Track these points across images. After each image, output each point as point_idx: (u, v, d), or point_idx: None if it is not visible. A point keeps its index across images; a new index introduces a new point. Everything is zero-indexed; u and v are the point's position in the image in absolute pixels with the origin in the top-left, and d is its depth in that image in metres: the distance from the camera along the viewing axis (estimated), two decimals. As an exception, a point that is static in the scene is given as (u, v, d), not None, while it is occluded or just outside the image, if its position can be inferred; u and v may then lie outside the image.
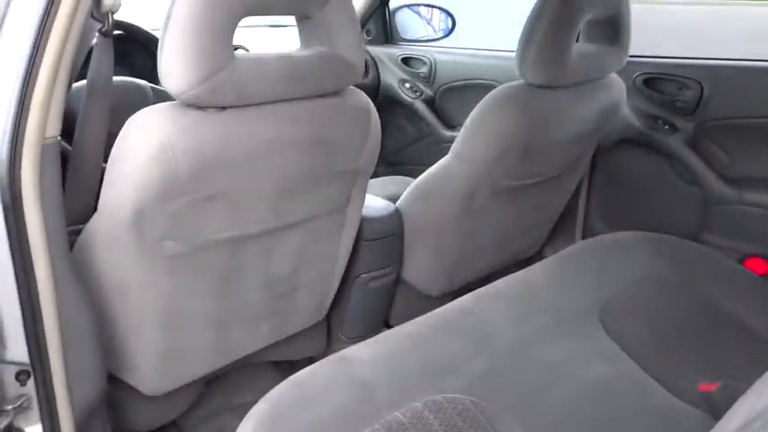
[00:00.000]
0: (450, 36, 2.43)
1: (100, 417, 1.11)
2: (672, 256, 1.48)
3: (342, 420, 0.91)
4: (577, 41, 1.54)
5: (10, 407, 0.92)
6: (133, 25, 1.65)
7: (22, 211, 0.85)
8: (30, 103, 0.83)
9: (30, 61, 0.82)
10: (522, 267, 1.40)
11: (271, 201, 1.09)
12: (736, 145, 1.67)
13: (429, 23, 2.54)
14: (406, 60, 2.40)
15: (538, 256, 1.95)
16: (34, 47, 0.82)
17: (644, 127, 1.78)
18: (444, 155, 1.49)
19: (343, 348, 1.06)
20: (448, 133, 2.32)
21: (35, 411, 0.95)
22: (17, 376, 0.92)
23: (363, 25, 2.39)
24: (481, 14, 2.69)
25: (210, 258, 1.08)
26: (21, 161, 0.84)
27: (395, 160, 2.57)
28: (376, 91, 2.45)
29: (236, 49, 1.72)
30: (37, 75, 0.83)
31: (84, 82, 1.14)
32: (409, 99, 2.39)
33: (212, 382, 1.43)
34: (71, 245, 1.06)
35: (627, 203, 1.90)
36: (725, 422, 0.69)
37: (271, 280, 1.23)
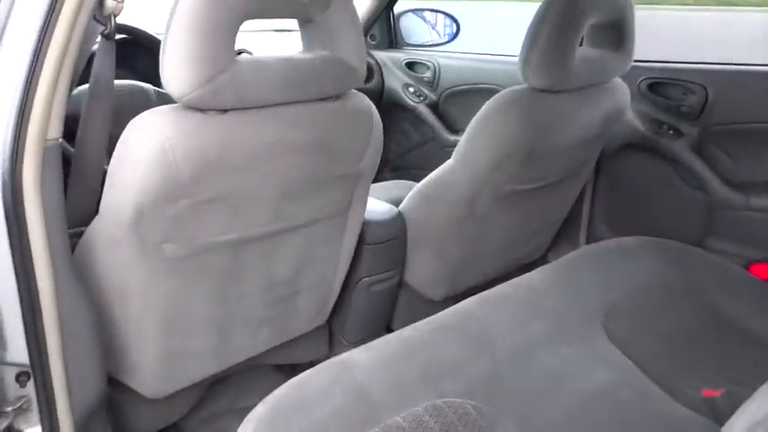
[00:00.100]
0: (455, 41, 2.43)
1: (100, 419, 1.11)
2: (676, 262, 1.48)
3: (341, 424, 0.90)
4: (581, 46, 1.53)
5: (10, 408, 0.92)
6: (137, 29, 1.66)
7: (24, 213, 0.85)
8: (32, 104, 0.84)
9: (32, 63, 0.83)
10: (526, 272, 1.40)
11: (272, 204, 1.09)
12: (742, 150, 1.66)
13: (434, 28, 2.54)
14: (411, 65, 2.40)
15: (541, 261, 1.94)
16: (36, 48, 0.83)
17: (648, 132, 1.77)
18: (448, 159, 1.49)
19: (345, 352, 1.06)
20: (452, 138, 2.31)
21: (35, 413, 0.95)
22: (17, 378, 0.92)
23: (368, 30, 2.40)
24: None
25: (211, 261, 1.08)
26: (22, 163, 0.84)
27: (399, 165, 2.57)
28: (380, 95, 2.46)
29: (240, 53, 1.73)
30: (39, 76, 0.83)
31: (87, 85, 1.15)
32: (413, 103, 2.39)
33: (214, 385, 1.42)
34: (73, 247, 1.06)
35: (631, 209, 1.89)
36: (728, 428, 0.68)
37: (272, 283, 1.23)
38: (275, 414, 0.91)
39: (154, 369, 1.15)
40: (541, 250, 1.91)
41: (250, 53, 1.84)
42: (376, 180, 1.45)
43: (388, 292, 1.58)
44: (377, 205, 1.53)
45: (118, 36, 1.64)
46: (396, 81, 2.43)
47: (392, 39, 2.50)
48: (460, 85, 2.28)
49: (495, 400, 0.98)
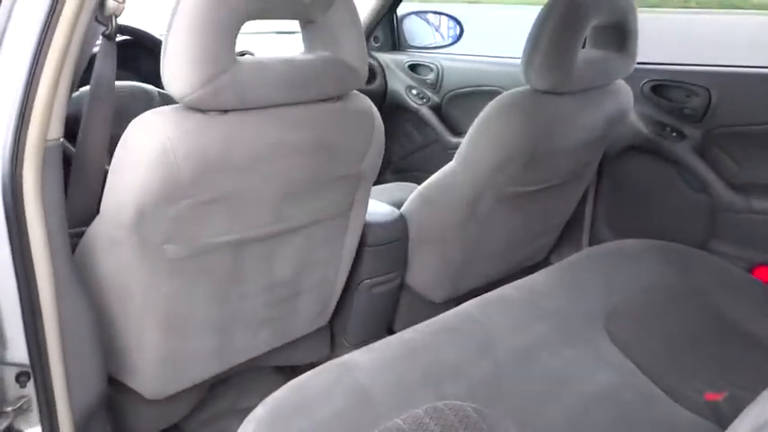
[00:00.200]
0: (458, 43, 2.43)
1: (100, 419, 1.11)
2: (679, 265, 1.47)
3: (341, 425, 0.90)
4: (584, 47, 1.53)
5: (10, 408, 0.92)
6: (140, 30, 1.67)
7: (24, 212, 0.85)
8: (32, 105, 0.84)
9: (33, 63, 0.83)
10: (528, 274, 1.39)
11: (273, 205, 1.09)
12: (745, 152, 1.66)
13: (437, 30, 2.54)
14: (413, 67, 2.40)
15: (544, 263, 1.93)
16: (37, 48, 0.83)
17: (651, 134, 1.77)
18: (450, 161, 1.49)
19: (346, 354, 1.06)
20: (454, 140, 2.31)
21: (35, 413, 0.95)
22: (17, 378, 0.92)
23: (371, 32, 2.40)
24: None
25: (212, 262, 1.08)
26: (23, 163, 0.84)
27: (401, 167, 2.57)
28: (383, 97, 2.46)
29: (243, 54, 1.74)
30: (40, 76, 0.83)
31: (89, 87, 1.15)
32: (416, 105, 2.38)
33: (215, 386, 1.42)
34: (73, 247, 1.06)
35: (634, 211, 1.88)
36: (731, 432, 0.68)
37: (273, 284, 1.23)
38: (275, 415, 0.90)
39: (154, 370, 1.15)
40: (544, 252, 1.91)
41: (252, 55, 1.84)
42: (378, 182, 1.45)
43: (390, 294, 1.57)
44: (378, 207, 1.52)
45: (120, 37, 1.66)
46: (398, 83, 2.43)
47: (395, 41, 2.50)
48: (463, 88, 2.28)
49: (496, 402, 0.98)
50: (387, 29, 2.46)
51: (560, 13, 1.30)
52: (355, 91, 1.17)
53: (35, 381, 0.93)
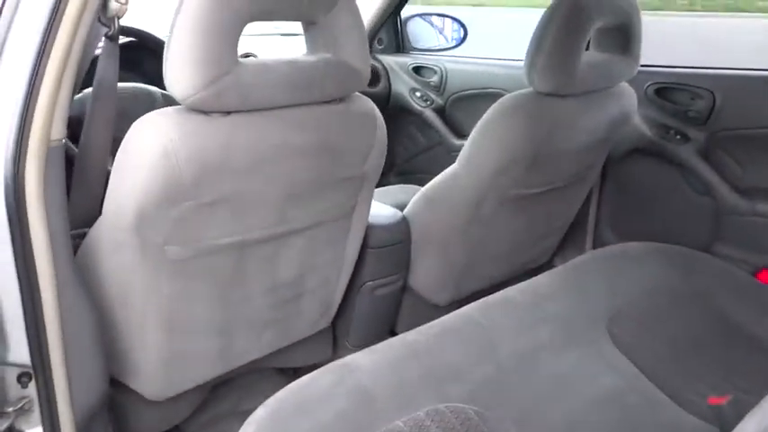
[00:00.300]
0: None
1: (101, 420, 1.11)
2: (683, 268, 1.46)
3: (342, 427, 0.90)
4: (588, 50, 1.53)
5: (11, 409, 0.92)
6: (144, 32, 1.67)
7: (26, 213, 0.85)
8: (35, 105, 0.84)
9: (35, 63, 0.83)
10: (532, 277, 1.39)
11: (275, 206, 1.09)
12: (749, 155, 1.65)
13: (441, 33, 2.54)
14: (417, 69, 2.40)
15: (547, 266, 1.93)
16: (40, 49, 0.83)
17: (656, 137, 1.76)
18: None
19: (348, 356, 1.05)
20: (458, 142, 2.31)
21: (36, 414, 0.95)
22: (19, 378, 0.92)
23: (375, 34, 2.40)
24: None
25: (214, 264, 1.08)
26: (25, 163, 0.84)
27: (405, 169, 2.57)
28: (387, 100, 2.46)
29: (247, 56, 1.74)
30: (42, 77, 0.83)
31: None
32: (420, 108, 2.38)
33: (217, 388, 1.42)
34: (76, 248, 1.06)
35: (638, 213, 1.88)
36: (733, 436, 0.67)
37: (275, 286, 1.22)
38: (276, 417, 0.90)
39: (156, 371, 1.15)
40: (547, 255, 1.90)
41: (256, 57, 1.84)
42: (382, 184, 1.45)
43: (392, 296, 1.57)
44: (381, 209, 1.52)
45: (125, 39, 1.67)
46: (402, 85, 2.43)
47: (399, 43, 2.50)
48: (467, 90, 2.27)
49: (497, 405, 0.97)
50: (391, 31, 2.47)
51: (563, 16, 1.30)
52: (358, 93, 1.17)
53: (37, 381, 0.93)
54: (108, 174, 0.99)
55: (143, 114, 0.94)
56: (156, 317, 1.08)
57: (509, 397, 1.01)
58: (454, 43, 2.47)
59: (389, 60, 2.46)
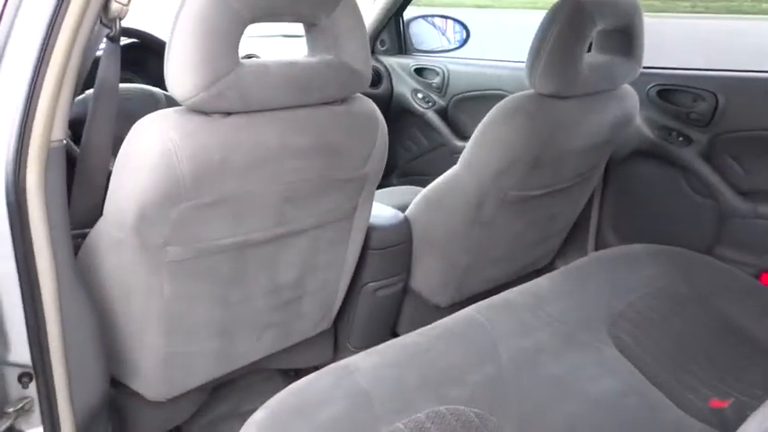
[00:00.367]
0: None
1: (102, 421, 1.11)
2: (685, 270, 1.46)
3: (342, 429, 0.89)
4: (589, 51, 1.52)
5: (11, 409, 0.92)
6: (147, 33, 1.68)
7: (27, 213, 0.86)
8: (36, 106, 0.84)
9: (37, 64, 0.83)
10: (533, 279, 1.39)
11: (276, 207, 1.09)
12: (752, 157, 1.64)
13: (443, 34, 2.54)
14: (419, 71, 2.40)
15: (549, 268, 1.92)
16: (42, 50, 0.83)
17: (658, 139, 1.76)
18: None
19: (348, 357, 1.05)
20: (460, 144, 2.31)
21: (36, 414, 0.95)
22: (19, 378, 0.93)
23: (377, 35, 2.40)
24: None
25: (215, 264, 1.08)
26: (26, 164, 0.84)
27: (407, 170, 2.57)
28: (389, 101, 2.46)
29: (249, 57, 1.74)
30: (44, 78, 0.84)
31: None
32: (422, 109, 2.38)
33: (218, 389, 1.42)
34: (77, 248, 1.06)
35: (640, 216, 1.87)
36: (735, 439, 0.67)
37: (276, 287, 1.22)
38: (275, 419, 0.90)
39: (156, 372, 1.15)
40: (549, 257, 1.90)
41: (259, 58, 1.84)
42: (384, 185, 1.45)
43: (394, 298, 1.57)
44: (382, 210, 1.52)
45: (128, 40, 1.67)
46: (404, 87, 2.43)
47: (402, 44, 2.50)
48: (469, 91, 2.27)
49: (498, 407, 0.97)
50: (393, 32, 2.47)
51: (565, 18, 1.30)
52: (359, 94, 1.16)
53: (37, 382, 0.93)
54: (109, 174, 0.99)
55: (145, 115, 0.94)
56: (157, 317, 1.08)
57: (510, 399, 1.00)
58: (456, 45, 2.47)
59: (392, 62, 2.46)
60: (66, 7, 0.82)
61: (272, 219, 1.10)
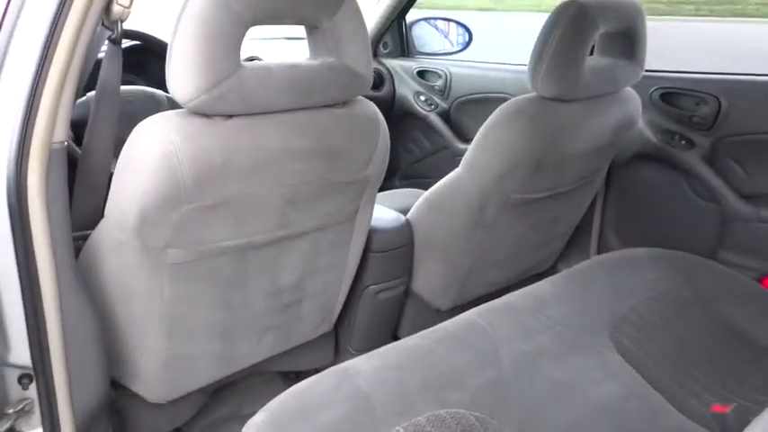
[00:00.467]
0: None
1: (102, 422, 1.11)
2: (687, 274, 1.45)
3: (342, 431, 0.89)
4: (592, 55, 1.52)
5: (12, 410, 0.92)
6: (149, 35, 1.68)
7: (28, 214, 0.86)
8: (38, 107, 0.84)
9: (39, 66, 0.83)
10: (535, 282, 1.38)
11: (277, 210, 1.09)
12: (754, 161, 1.64)
13: (446, 37, 2.54)
14: (422, 73, 2.40)
15: (551, 271, 1.92)
16: (44, 52, 0.83)
17: (660, 142, 1.75)
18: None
19: (348, 360, 1.05)
20: (463, 146, 2.30)
21: (36, 415, 0.95)
22: (19, 380, 0.92)
23: (380, 38, 2.40)
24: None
25: (215, 267, 1.08)
26: (27, 164, 0.84)
27: (409, 173, 2.57)
28: (391, 103, 2.46)
29: (251, 60, 1.74)
30: (46, 79, 0.84)
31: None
32: (424, 112, 2.38)
33: (218, 391, 1.42)
34: (78, 250, 1.06)
35: (642, 219, 1.87)
36: (736, 444, 0.66)
37: (277, 290, 1.22)
38: (275, 421, 0.90)
39: (157, 374, 1.14)
40: (551, 260, 1.90)
41: (261, 60, 1.84)
42: (386, 188, 1.44)
43: (395, 300, 1.57)
44: (384, 213, 1.52)
45: (131, 43, 1.67)
46: (407, 89, 2.43)
47: (404, 47, 2.50)
48: (472, 94, 2.27)
49: (499, 411, 0.97)
50: (396, 35, 2.46)
51: (568, 21, 1.30)
52: (361, 97, 1.16)
53: (37, 383, 0.93)
54: (111, 176, 0.99)
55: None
56: (158, 319, 1.08)
57: (511, 403, 1.00)
58: (459, 47, 2.47)
59: (394, 64, 2.46)
60: (68, 9, 0.82)
61: (273, 221, 1.10)
